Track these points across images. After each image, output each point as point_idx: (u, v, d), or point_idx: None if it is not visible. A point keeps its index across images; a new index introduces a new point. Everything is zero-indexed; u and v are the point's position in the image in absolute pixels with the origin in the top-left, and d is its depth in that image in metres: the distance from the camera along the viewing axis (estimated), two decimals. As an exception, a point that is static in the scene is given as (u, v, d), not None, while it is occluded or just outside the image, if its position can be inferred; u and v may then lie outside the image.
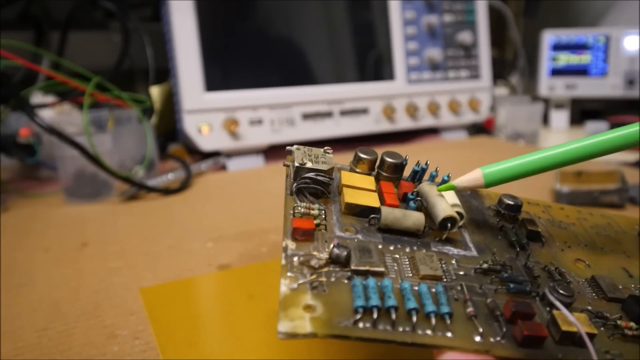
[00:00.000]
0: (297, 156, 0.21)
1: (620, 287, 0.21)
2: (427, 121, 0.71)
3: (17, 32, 0.68)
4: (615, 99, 0.86)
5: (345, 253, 0.17)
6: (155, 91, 0.67)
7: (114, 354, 0.24)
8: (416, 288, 0.18)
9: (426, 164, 0.23)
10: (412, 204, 0.21)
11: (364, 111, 0.66)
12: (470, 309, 0.17)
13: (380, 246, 0.19)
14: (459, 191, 0.23)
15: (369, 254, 0.18)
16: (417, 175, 0.23)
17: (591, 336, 0.17)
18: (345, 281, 0.17)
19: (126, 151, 0.52)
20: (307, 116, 0.63)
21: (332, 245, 0.18)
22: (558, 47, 0.87)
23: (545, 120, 0.90)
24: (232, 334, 0.25)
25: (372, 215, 0.20)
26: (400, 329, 0.16)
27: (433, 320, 0.16)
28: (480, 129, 0.78)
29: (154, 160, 0.54)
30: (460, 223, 0.21)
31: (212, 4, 0.58)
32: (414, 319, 0.16)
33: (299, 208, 0.19)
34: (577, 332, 0.17)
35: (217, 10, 0.59)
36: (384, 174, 0.23)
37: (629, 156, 0.63)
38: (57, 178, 0.50)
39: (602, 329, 0.18)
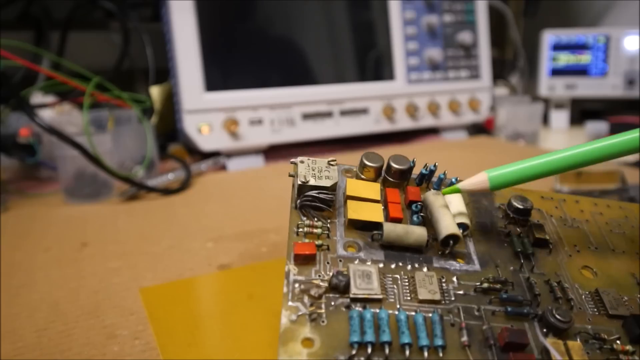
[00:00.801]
0: (301, 171, 0.21)
1: (625, 299, 0.21)
2: (427, 121, 0.71)
3: (17, 32, 0.68)
4: (615, 99, 0.86)
5: (343, 283, 0.18)
6: (155, 91, 0.67)
7: (114, 354, 0.24)
8: (413, 315, 0.18)
9: (434, 165, 0.23)
10: (415, 218, 0.21)
11: (364, 111, 0.66)
12: (464, 339, 0.17)
13: (381, 265, 0.19)
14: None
15: (368, 279, 0.18)
16: (425, 178, 0.23)
17: None
18: (344, 309, 0.17)
19: (126, 151, 0.52)
20: (307, 116, 0.63)
21: (331, 274, 0.18)
22: (558, 47, 0.87)
23: (545, 120, 0.90)
24: (232, 334, 0.25)
25: (375, 232, 0.20)
26: None
27: (425, 354, 0.17)
28: (480, 129, 0.78)
29: (154, 160, 0.54)
30: (463, 234, 0.21)
31: (212, 4, 0.58)
32: (407, 353, 0.17)
33: (303, 227, 0.20)
34: None
35: (217, 10, 0.59)
36: (391, 179, 0.23)
37: (629, 157, 0.63)
38: (57, 178, 0.50)
39: (598, 351, 0.18)
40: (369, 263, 0.19)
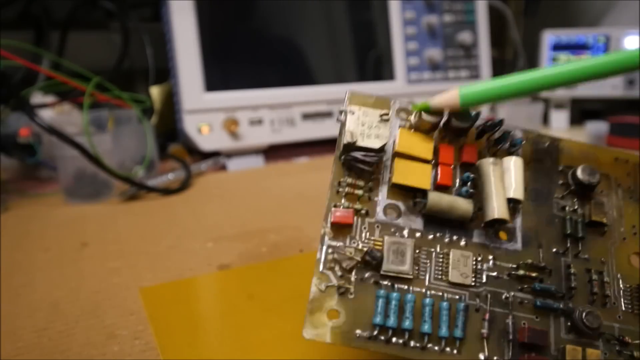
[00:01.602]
0: (349, 126, 0.19)
1: None
2: (427, 121, 0.71)
3: (17, 32, 0.68)
4: (615, 99, 0.86)
5: (376, 261, 0.18)
6: (155, 91, 0.67)
7: (114, 354, 0.24)
8: (440, 296, 0.18)
9: (500, 121, 0.20)
10: (464, 190, 0.19)
11: (364, 111, 0.66)
12: (484, 330, 0.18)
13: (418, 234, 0.19)
14: (540, 146, 0.21)
15: (402, 257, 0.18)
16: (486, 131, 0.21)
17: None
18: (372, 285, 0.18)
19: (126, 151, 0.52)
20: (307, 116, 0.63)
21: (365, 251, 0.18)
22: (558, 47, 0.87)
23: (545, 120, 0.90)
24: (232, 334, 0.25)
25: (419, 200, 0.19)
26: (412, 345, 0.17)
27: (443, 343, 0.17)
28: (480, 129, 0.78)
29: (154, 160, 0.54)
30: (513, 208, 0.20)
31: (212, 3, 0.58)
32: (426, 340, 0.17)
33: (344, 185, 0.19)
34: None
35: (217, 10, 0.59)
36: (448, 134, 0.20)
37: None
38: (57, 178, 0.50)
39: (616, 354, 0.18)
40: (405, 233, 0.19)
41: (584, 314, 0.18)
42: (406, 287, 0.18)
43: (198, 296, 0.30)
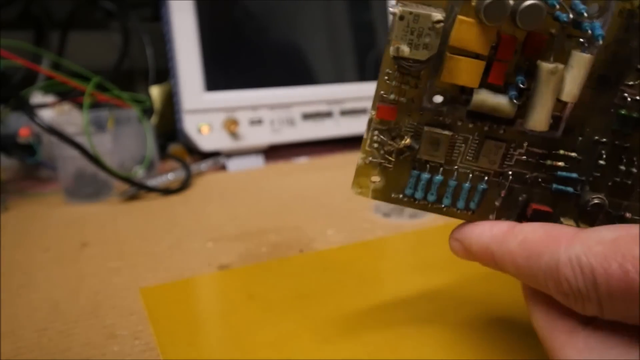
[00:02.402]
0: (397, 34, 0.17)
1: None
2: (427, 121, 0.71)
3: (17, 32, 0.68)
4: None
5: (414, 149, 0.20)
6: (155, 91, 0.67)
7: (114, 354, 0.24)
8: (464, 176, 0.20)
9: (582, 5, 0.17)
10: (511, 94, 0.18)
11: (364, 111, 0.66)
12: (497, 203, 0.20)
13: (459, 123, 0.19)
14: (631, 21, 0.17)
15: (437, 146, 0.20)
16: (562, 21, 0.17)
17: None
18: (408, 165, 0.20)
19: (126, 151, 0.52)
20: (307, 116, 0.63)
21: (406, 139, 0.20)
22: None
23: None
24: (232, 334, 0.25)
25: (464, 96, 0.19)
26: (432, 206, 0.21)
27: (457, 211, 0.21)
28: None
29: (154, 160, 0.54)
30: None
31: (212, 3, 0.58)
32: (443, 208, 0.21)
33: (392, 79, 0.19)
34: None
35: (217, 10, 0.59)
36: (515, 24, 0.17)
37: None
38: (57, 178, 0.50)
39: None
40: (447, 122, 0.19)
41: (591, 202, 0.19)
42: (437, 171, 0.20)
43: (198, 296, 0.30)
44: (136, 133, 0.53)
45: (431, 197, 0.20)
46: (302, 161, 0.62)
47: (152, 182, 0.49)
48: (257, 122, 0.60)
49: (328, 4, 0.66)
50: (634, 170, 0.19)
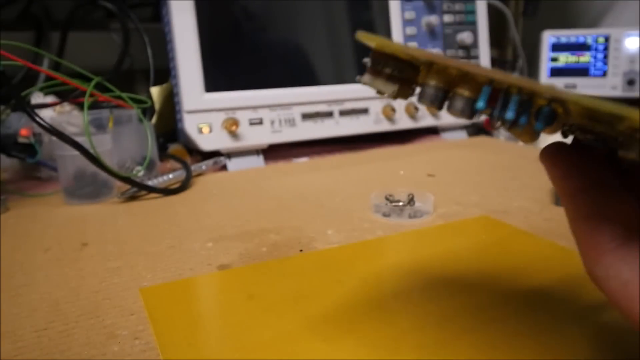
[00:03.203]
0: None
1: None
2: (426, 121, 0.71)
3: (17, 32, 0.68)
4: (615, 99, 0.86)
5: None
6: (156, 91, 0.67)
7: (114, 354, 0.24)
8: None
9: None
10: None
11: (364, 111, 0.66)
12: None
13: None
14: None
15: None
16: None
17: None
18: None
19: (126, 151, 0.52)
20: (307, 116, 0.63)
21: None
22: (558, 47, 0.87)
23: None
24: (232, 334, 0.25)
25: None
26: None
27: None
28: (480, 129, 0.78)
29: (154, 160, 0.54)
30: None
31: (212, 4, 0.58)
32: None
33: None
34: None
35: (217, 10, 0.59)
36: None
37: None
38: (57, 178, 0.50)
39: None
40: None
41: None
42: None
43: (198, 296, 0.30)
44: (136, 133, 0.53)
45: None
46: (302, 161, 0.62)
47: (152, 182, 0.49)
48: (257, 122, 0.60)
49: (328, 4, 0.66)
50: None
